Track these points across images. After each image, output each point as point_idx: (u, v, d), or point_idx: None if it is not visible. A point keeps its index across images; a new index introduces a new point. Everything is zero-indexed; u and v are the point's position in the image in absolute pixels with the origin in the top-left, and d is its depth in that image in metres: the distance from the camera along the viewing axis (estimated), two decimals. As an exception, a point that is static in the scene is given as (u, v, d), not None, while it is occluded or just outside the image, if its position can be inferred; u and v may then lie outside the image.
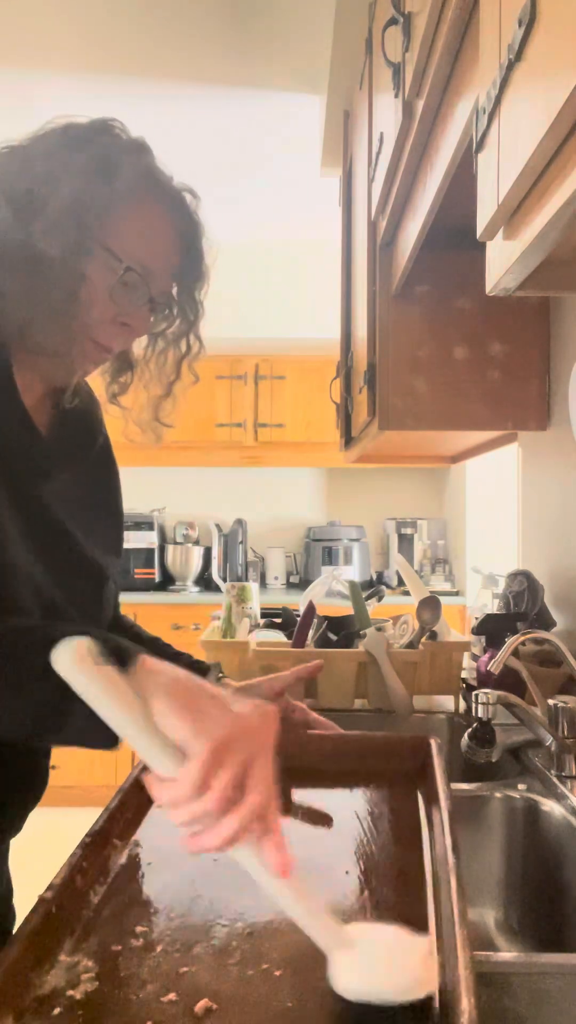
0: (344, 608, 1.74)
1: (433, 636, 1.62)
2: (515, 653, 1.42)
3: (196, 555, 4.13)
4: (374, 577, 4.21)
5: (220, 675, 1.04)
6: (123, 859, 0.73)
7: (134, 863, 0.73)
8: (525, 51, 0.64)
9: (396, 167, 1.38)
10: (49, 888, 0.61)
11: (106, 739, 0.61)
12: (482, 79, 0.78)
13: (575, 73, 0.54)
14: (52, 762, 0.98)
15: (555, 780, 1.11)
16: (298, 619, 1.67)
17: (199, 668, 1.05)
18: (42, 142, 0.86)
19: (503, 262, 0.79)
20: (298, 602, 1.82)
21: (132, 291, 0.86)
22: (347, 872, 0.72)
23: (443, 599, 1.74)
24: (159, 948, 0.59)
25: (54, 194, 0.82)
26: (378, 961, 0.54)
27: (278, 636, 1.77)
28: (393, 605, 2.58)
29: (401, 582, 3.65)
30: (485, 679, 1.50)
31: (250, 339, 3.82)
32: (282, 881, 0.56)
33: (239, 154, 3.15)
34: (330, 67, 2.35)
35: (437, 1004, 0.52)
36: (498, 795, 1.12)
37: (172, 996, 0.53)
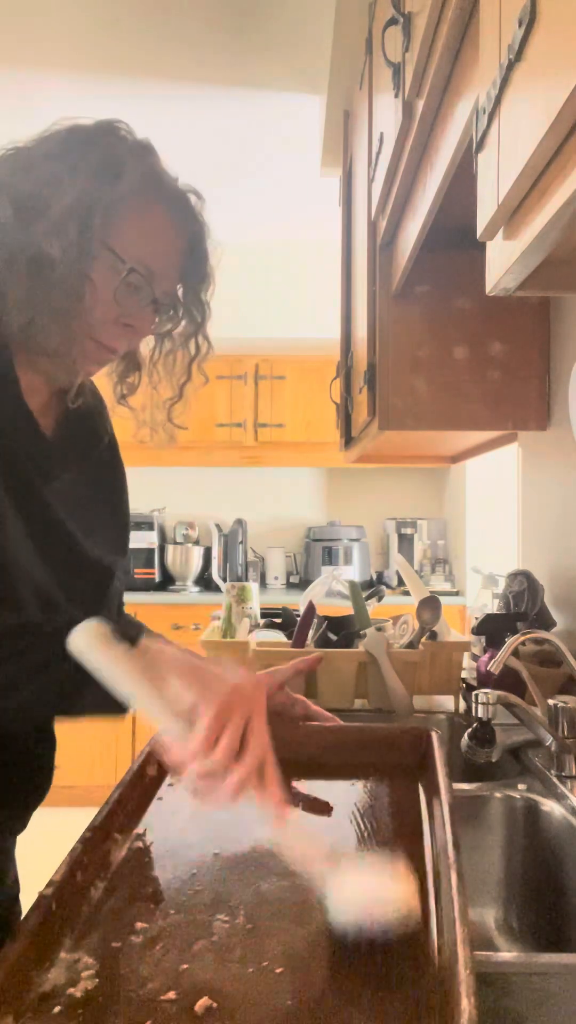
0: (344, 608, 1.74)
1: (433, 636, 1.62)
2: (515, 653, 1.42)
3: (196, 555, 4.13)
4: (374, 577, 4.21)
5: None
6: (123, 854, 0.73)
7: (134, 858, 0.73)
8: (525, 51, 0.65)
9: (396, 167, 1.38)
10: (49, 885, 0.61)
11: (118, 709, 0.70)
12: (482, 79, 0.78)
13: (575, 73, 0.54)
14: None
15: (555, 780, 1.11)
16: (298, 619, 1.67)
17: None
18: (47, 143, 0.86)
19: (503, 262, 0.79)
20: (298, 602, 1.82)
21: (136, 292, 0.87)
22: (346, 865, 0.72)
23: (443, 599, 1.74)
24: (159, 945, 0.59)
25: (58, 195, 0.82)
26: (365, 889, 0.61)
27: (278, 636, 1.77)
28: (393, 605, 2.58)
29: (401, 582, 3.65)
30: (485, 679, 1.50)
31: (250, 339, 3.83)
32: (280, 825, 0.64)
33: (239, 154, 3.15)
34: (330, 67, 2.35)
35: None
36: (498, 795, 1.12)
37: (172, 994, 0.53)
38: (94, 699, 0.69)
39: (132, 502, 1.06)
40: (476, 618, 1.83)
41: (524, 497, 1.97)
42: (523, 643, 1.46)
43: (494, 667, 1.26)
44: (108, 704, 0.69)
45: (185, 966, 0.56)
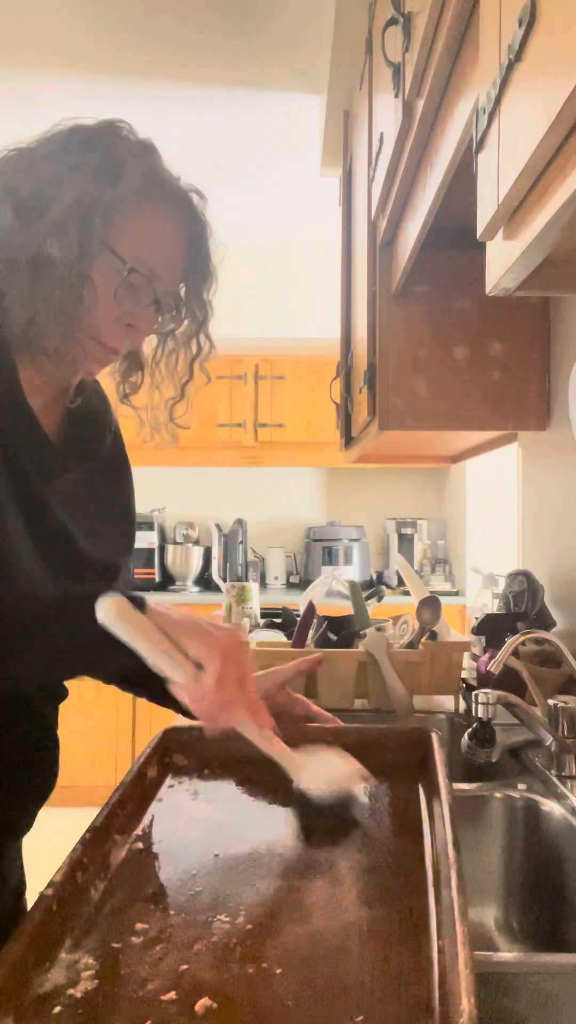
0: (344, 608, 1.74)
1: (433, 636, 1.62)
2: (515, 653, 1.42)
3: (196, 555, 4.13)
4: (374, 577, 4.22)
5: None
6: (123, 855, 0.73)
7: (134, 859, 0.73)
8: (525, 51, 0.65)
9: (396, 167, 1.38)
10: (49, 885, 0.61)
11: (96, 672, 0.89)
12: (482, 79, 0.78)
13: (575, 73, 0.54)
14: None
15: (555, 780, 1.11)
16: (298, 619, 1.67)
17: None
18: (49, 144, 0.86)
19: (503, 262, 0.79)
20: (298, 602, 1.83)
21: (137, 292, 0.87)
22: (347, 865, 0.72)
23: (443, 599, 1.74)
24: (159, 945, 0.59)
25: (58, 195, 0.82)
26: (325, 769, 0.83)
27: (278, 636, 1.77)
28: (393, 605, 2.58)
29: (401, 582, 3.65)
30: (485, 679, 1.50)
31: (250, 339, 3.83)
32: (267, 737, 0.83)
33: (239, 154, 3.15)
34: (330, 67, 2.35)
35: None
36: (498, 795, 1.12)
37: (172, 995, 0.53)
38: (117, 660, 0.79)
39: (133, 502, 1.06)
40: (476, 618, 1.83)
41: (524, 497, 1.97)
42: (523, 643, 1.46)
43: (494, 667, 1.26)
44: (131, 661, 0.79)
45: (185, 966, 0.56)
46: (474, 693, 1.19)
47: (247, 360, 4.06)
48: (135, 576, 4.20)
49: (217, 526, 4.05)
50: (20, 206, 0.83)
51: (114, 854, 0.73)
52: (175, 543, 4.20)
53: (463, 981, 0.49)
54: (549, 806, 1.08)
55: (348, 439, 2.34)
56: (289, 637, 1.72)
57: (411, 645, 1.60)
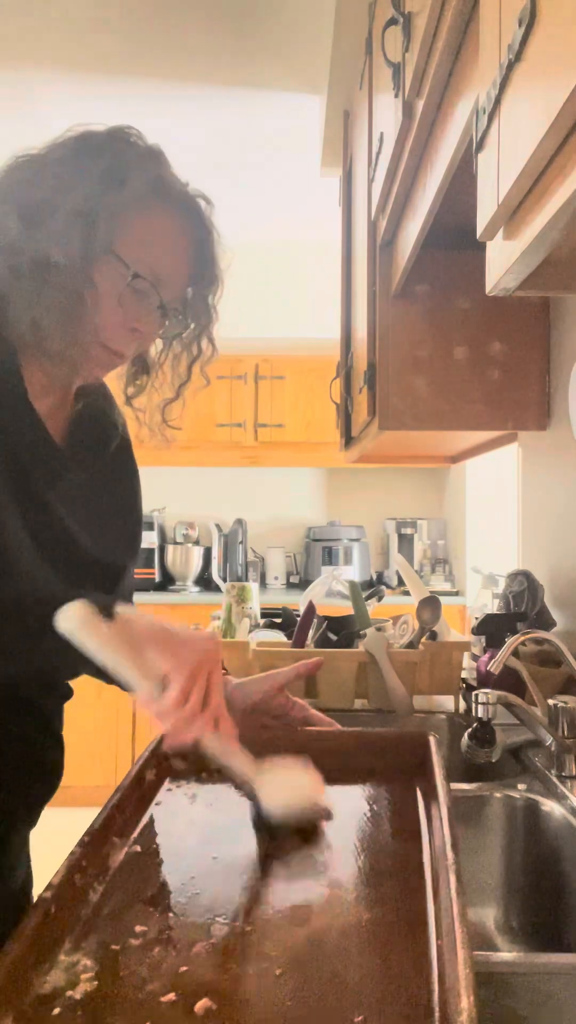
0: (344, 608, 1.74)
1: (433, 636, 1.62)
2: (515, 653, 1.42)
3: (196, 555, 4.13)
4: (374, 577, 4.22)
5: (222, 671, 1.05)
6: (122, 857, 0.73)
7: (133, 862, 0.73)
8: (525, 51, 0.64)
9: (396, 167, 1.38)
10: (48, 887, 0.61)
11: (98, 673, 0.81)
12: (482, 79, 0.78)
13: (575, 73, 0.54)
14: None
15: (555, 780, 1.11)
16: (298, 619, 1.67)
17: None
18: (58, 150, 0.87)
19: (503, 262, 0.79)
20: (298, 602, 1.82)
21: (142, 297, 0.87)
22: (346, 867, 0.72)
23: (443, 599, 1.74)
24: (158, 947, 0.59)
25: (64, 201, 0.83)
26: (285, 786, 0.81)
27: (278, 636, 1.77)
28: (393, 605, 2.58)
29: (401, 582, 3.65)
30: (485, 679, 1.50)
31: (250, 339, 3.83)
32: (229, 752, 0.80)
33: (239, 154, 3.15)
34: (330, 67, 2.35)
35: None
36: (498, 795, 1.12)
37: (172, 996, 0.53)
38: (77, 668, 0.81)
39: (133, 502, 1.06)
40: (476, 618, 1.83)
41: (524, 497, 1.97)
42: (523, 643, 1.46)
43: (494, 667, 1.26)
44: (91, 670, 0.79)
45: (185, 968, 0.56)
46: (474, 693, 1.19)
47: (247, 360, 4.06)
48: (135, 576, 4.21)
49: (217, 526, 4.05)
50: (27, 212, 0.84)
51: (112, 857, 0.72)
52: (175, 543, 4.20)
53: (463, 981, 0.49)
54: (549, 806, 1.08)
55: (348, 439, 2.34)
56: (289, 637, 1.72)
57: (411, 645, 1.59)
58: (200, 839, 0.78)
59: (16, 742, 0.92)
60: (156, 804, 0.85)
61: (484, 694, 1.18)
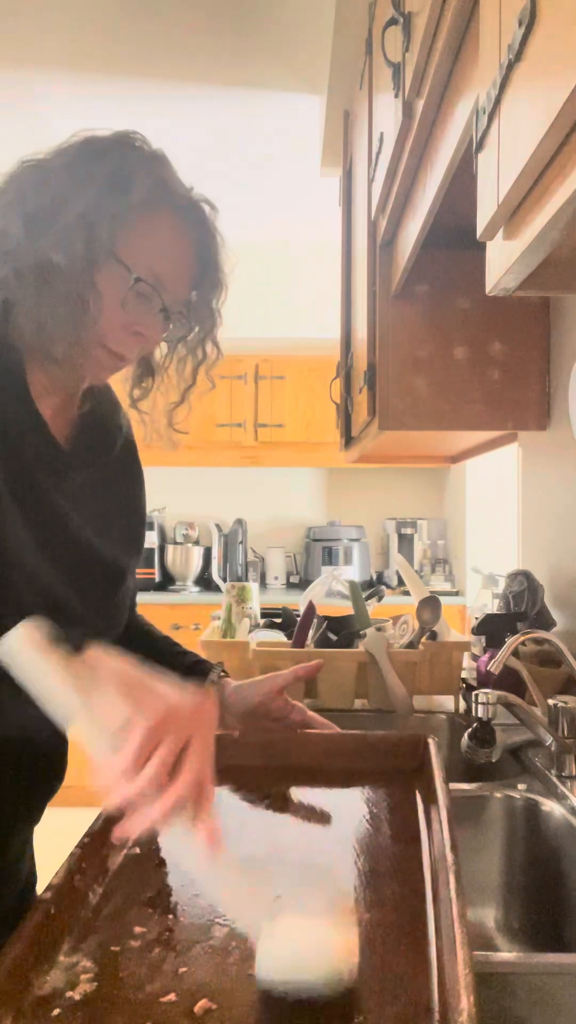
0: (344, 608, 1.74)
1: (433, 636, 1.62)
2: (515, 653, 1.42)
3: (196, 555, 4.13)
4: (374, 577, 4.21)
5: (222, 674, 1.05)
6: (121, 859, 0.73)
7: (132, 863, 0.73)
8: (525, 51, 0.64)
9: (396, 167, 1.38)
10: (48, 888, 0.61)
11: (45, 727, 0.65)
12: (482, 79, 0.78)
13: (575, 73, 0.54)
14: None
15: (555, 780, 1.11)
16: (298, 619, 1.67)
17: (202, 667, 1.06)
18: (62, 156, 0.88)
19: (503, 262, 0.79)
20: (298, 602, 1.82)
21: (145, 301, 0.88)
22: (346, 869, 0.72)
23: (443, 599, 1.74)
24: (158, 948, 0.59)
25: (67, 206, 0.84)
26: (297, 949, 0.54)
27: (278, 636, 1.77)
28: (393, 605, 2.58)
29: (401, 582, 3.65)
30: (485, 679, 1.50)
31: (250, 339, 3.82)
32: (208, 864, 0.57)
33: (239, 154, 3.15)
34: (330, 67, 2.35)
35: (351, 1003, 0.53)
36: (498, 795, 1.12)
37: (171, 996, 0.53)
38: (24, 708, 0.63)
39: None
40: (476, 618, 1.83)
41: (524, 497, 1.97)
42: (523, 643, 1.46)
43: (494, 667, 1.26)
44: (37, 718, 0.63)
45: (184, 969, 0.56)
46: (474, 693, 1.19)
47: (247, 360, 4.05)
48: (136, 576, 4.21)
49: (217, 526, 4.05)
50: (30, 217, 0.85)
51: (112, 858, 0.73)
52: (175, 543, 4.20)
53: (462, 981, 0.49)
54: (549, 806, 1.08)
55: (348, 439, 2.34)
56: (289, 637, 1.72)
57: (411, 645, 1.59)
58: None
59: (19, 740, 0.92)
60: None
61: (484, 694, 1.18)
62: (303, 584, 4.11)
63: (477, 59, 0.83)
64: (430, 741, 0.94)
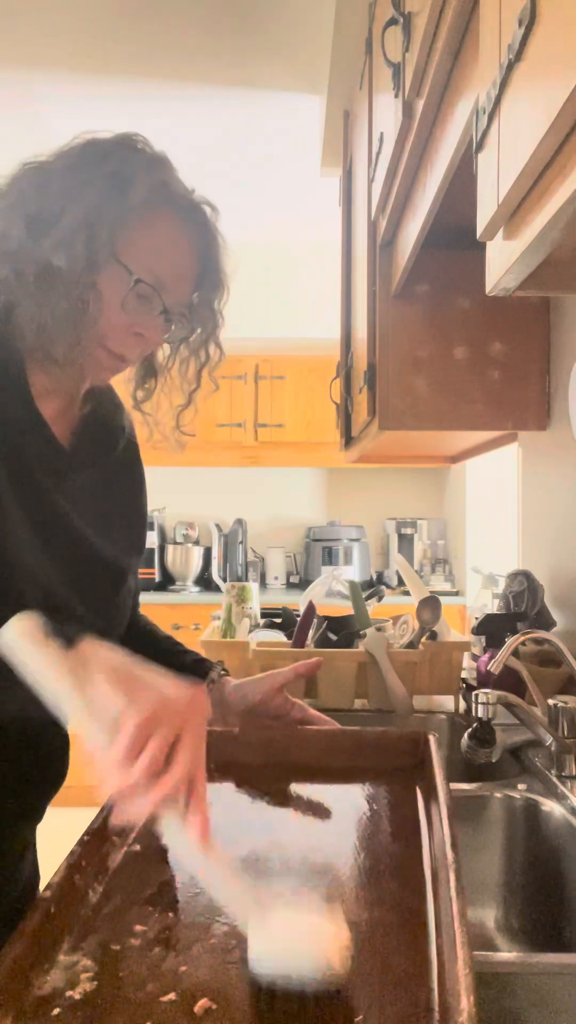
0: (344, 608, 1.74)
1: (433, 636, 1.62)
2: (515, 653, 1.42)
3: (196, 555, 4.13)
4: (374, 577, 4.21)
5: (223, 672, 1.06)
6: (121, 857, 0.73)
7: (132, 861, 0.73)
8: (525, 51, 0.64)
9: (396, 167, 1.38)
10: (48, 887, 0.61)
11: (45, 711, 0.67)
12: (482, 79, 0.78)
13: (575, 73, 0.54)
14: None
15: (555, 780, 1.11)
16: (298, 619, 1.67)
17: (203, 666, 1.06)
18: (65, 158, 0.88)
19: (503, 262, 0.79)
20: (298, 602, 1.82)
21: (145, 302, 0.88)
22: (346, 867, 0.72)
23: (443, 599, 1.74)
24: (158, 947, 0.59)
25: (68, 208, 0.84)
26: (291, 940, 0.55)
27: (278, 636, 1.77)
28: (393, 605, 2.58)
29: (401, 582, 3.65)
30: (485, 679, 1.50)
31: (250, 339, 3.82)
32: (201, 854, 0.59)
33: (239, 154, 3.15)
34: (330, 67, 2.35)
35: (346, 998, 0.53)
36: (498, 795, 1.12)
37: (172, 996, 0.53)
38: (23, 697, 0.66)
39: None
40: (476, 618, 1.83)
41: (524, 497, 1.97)
42: (523, 643, 1.46)
43: (494, 667, 1.26)
44: (37, 706, 0.66)
45: (184, 968, 0.56)
46: (474, 693, 1.19)
47: (247, 360, 4.05)
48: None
49: (217, 526, 4.05)
50: (32, 219, 0.85)
51: (112, 856, 0.72)
52: (175, 543, 4.19)
53: (463, 981, 0.49)
54: (549, 806, 1.08)
55: (348, 439, 2.34)
56: (289, 637, 1.72)
57: (411, 645, 1.59)
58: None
59: (21, 740, 0.92)
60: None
61: (484, 694, 1.18)
62: (303, 584, 4.11)
63: (477, 59, 0.83)
64: (430, 738, 0.94)
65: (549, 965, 0.67)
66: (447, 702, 1.61)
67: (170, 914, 0.64)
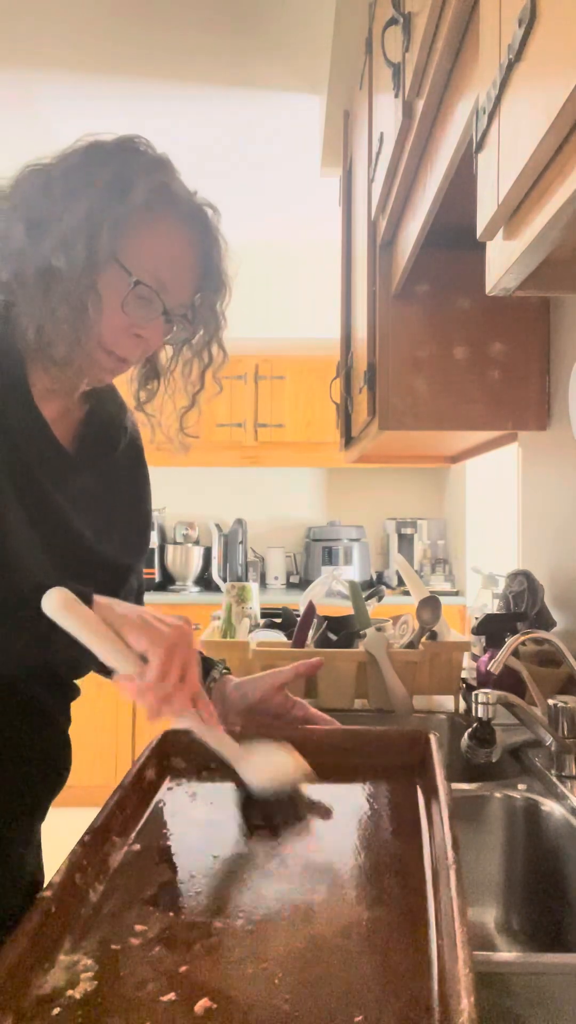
0: (344, 608, 1.74)
1: (433, 636, 1.62)
2: (515, 653, 1.42)
3: (196, 555, 4.13)
4: (374, 577, 4.21)
5: (224, 670, 1.06)
6: (122, 856, 0.73)
7: (133, 861, 0.73)
8: (525, 51, 0.64)
9: (396, 167, 1.38)
10: (48, 887, 0.62)
11: (100, 668, 0.85)
12: (482, 79, 0.78)
13: (575, 73, 0.54)
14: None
15: (555, 780, 1.11)
16: (298, 619, 1.67)
17: (205, 664, 1.07)
18: (67, 160, 0.89)
19: (503, 262, 0.79)
20: (298, 602, 1.82)
21: (146, 304, 0.89)
22: (346, 866, 0.72)
23: (443, 599, 1.74)
24: (158, 947, 0.59)
25: (69, 210, 0.85)
26: (272, 762, 0.85)
27: (278, 636, 1.77)
28: (393, 605, 2.58)
29: (401, 582, 3.65)
30: (485, 679, 1.50)
31: (250, 339, 3.82)
32: (209, 730, 0.85)
33: (239, 154, 3.15)
34: (330, 67, 2.35)
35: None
36: (498, 795, 1.12)
37: (172, 995, 0.53)
38: (66, 651, 0.81)
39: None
40: (476, 618, 1.83)
41: (524, 497, 1.97)
42: (523, 643, 1.46)
43: (494, 667, 1.26)
44: (79, 654, 0.80)
45: (185, 968, 0.56)
46: (474, 693, 1.19)
47: (247, 360, 4.05)
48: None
49: (217, 526, 4.05)
50: (33, 221, 0.86)
51: (113, 856, 0.73)
52: (175, 543, 4.19)
53: (463, 981, 0.49)
54: (549, 806, 1.08)
55: (348, 439, 2.34)
56: (289, 637, 1.72)
57: (411, 645, 1.59)
58: (200, 838, 0.78)
59: (23, 741, 0.92)
60: (157, 803, 0.85)
61: (484, 694, 1.18)
62: (303, 584, 4.11)
63: (477, 59, 0.83)
64: (431, 737, 0.94)
65: (549, 965, 0.67)
66: (447, 702, 1.61)
67: (171, 914, 0.64)
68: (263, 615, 1.99)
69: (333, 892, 0.67)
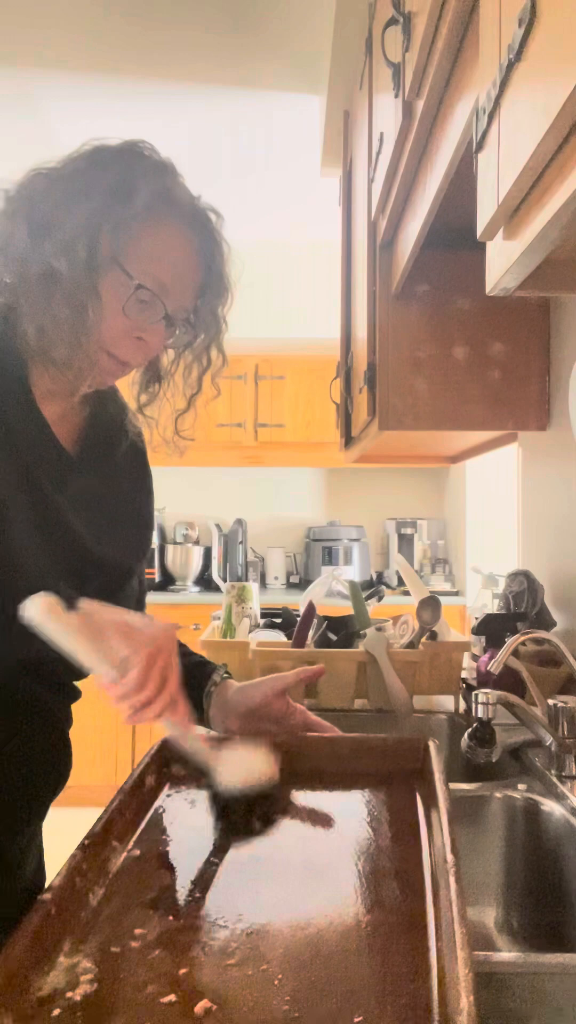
0: (344, 608, 1.74)
1: (433, 636, 1.62)
2: (515, 653, 1.42)
3: (196, 555, 4.13)
4: (374, 577, 4.21)
5: (226, 675, 1.06)
6: (122, 861, 0.73)
7: (133, 865, 0.73)
8: (525, 51, 0.64)
9: (396, 167, 1.38)
10: (48, 889, 0.62)
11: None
12: (482, 79, 0.78)
13: (575, 73, 0.54)
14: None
15: (555, 780, 1.11)
16: (298, 619, 1.67)
17: (206, 668, 1.06)
18: (71, 164, 0.89)
19: (503, 262, 0.79)
20: (298, 602, 1.82)
21: (147, 307, 0.89)
22: (346, 870, 0.72)
23: (443, 599, 1.74)
24: (158, 949, 0.59)
25: (71, 214, 0.85)
26: (245, 762, 0.86)
27: (278, 636, 1.77)
28: (393, 605, 2.58)
29: (401, 582, 3.65)
30: (485, 679, 1.50)
31: (250, 339, 3.82)
32: (186, 734, 0.86)
33: (239, 154, 3.15)
34: (330, 67, 2.35)
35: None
36: (498, 795, 1.12)
37: (172, 997, 0.53)
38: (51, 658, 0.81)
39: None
40: (476, 618, 1.83)
41: (524, 497, 1.97)
42: (523, 643, 1.46)
43: (494, 667, 1.26)
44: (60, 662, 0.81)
45: (184, 970, 0.56)
46: (474, 693, 1.19)
47: (247, 360, 4.05)
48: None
49: (217, 526, 4.05)
50: (36, 224, 0.86)
51: (112, 860, 0.73)
52: (175, 543, 4.20)
53: (462, 981, 0.49)
54: (549, 806, 1.08)
55: (348, 439, 2.34)
56: (289, 637, 1.72)
57: (411, 645, 1.59)
58: (199, 843, 0.78)
59: (25, 742, 0.93)
60: (156, 809, 0.85)
61: (484, 694, 1.18)
62: (303, 584, 4.11)
63: (477, 59, 0.83)
64: (431, 743, 0.94)
65: (549, 965, 0.67)
66: (447, 702, 1.61)
67: (170, 917, 0.64)
68: (263, 615, 2.00)
69: (333, 895, 0.67)
